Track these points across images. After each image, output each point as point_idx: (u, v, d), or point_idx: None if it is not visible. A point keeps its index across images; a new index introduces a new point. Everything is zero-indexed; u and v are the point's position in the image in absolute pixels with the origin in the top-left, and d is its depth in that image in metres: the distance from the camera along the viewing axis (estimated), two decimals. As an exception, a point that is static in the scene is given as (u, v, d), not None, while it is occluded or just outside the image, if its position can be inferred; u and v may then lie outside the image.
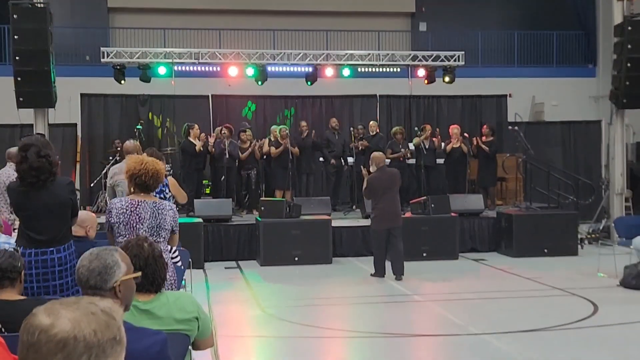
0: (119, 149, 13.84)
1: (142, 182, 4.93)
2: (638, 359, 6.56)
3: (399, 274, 10.34)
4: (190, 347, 3.59)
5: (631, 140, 17.56)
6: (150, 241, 3.51)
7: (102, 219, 5.20)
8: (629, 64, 13.13)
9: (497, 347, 6.88)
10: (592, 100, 20.56)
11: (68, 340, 1.45)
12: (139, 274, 2.97)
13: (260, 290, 10.19)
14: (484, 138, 14.32)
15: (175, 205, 5.36)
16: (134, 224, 4.81)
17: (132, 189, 4.98)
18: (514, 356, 6.64)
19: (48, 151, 4.91)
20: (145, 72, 14.55)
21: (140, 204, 4.87)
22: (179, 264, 6.36)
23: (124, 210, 4.84)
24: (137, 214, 4.83)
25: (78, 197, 14.56)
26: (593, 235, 13.43)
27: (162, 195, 6.75)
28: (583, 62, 21.43)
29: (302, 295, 9.69)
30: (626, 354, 6.73)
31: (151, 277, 3.36)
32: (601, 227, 13.82)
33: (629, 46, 13.13)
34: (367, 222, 11.65)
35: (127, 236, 4.70)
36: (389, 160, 14.43)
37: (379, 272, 10.48)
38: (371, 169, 10.47)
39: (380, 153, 10.88)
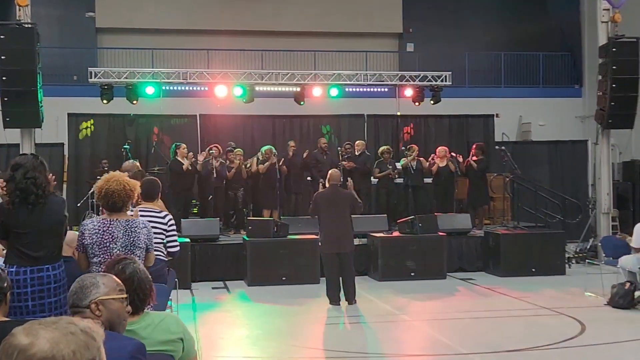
0: (105, 168, 13.79)
1: (106, 202, 4.92)
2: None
3: (350, 299, 9.87)
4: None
5: (617, 160, 17.68)
6: (125, 263, 3.47)
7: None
8: (613, 85, 13.26)
9: (485, 367, 6.86)
10: (579, 121, 20.72)
11: None
12: (124, 295, 3.02)
13: (247, 310, 10.14)
14: (473, 157, 14.37)
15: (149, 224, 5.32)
16: (107, 244, 4.78)
17: (102, 209, 4.98)
18: (501, 376, 6.62)
19: (35, 173, 4.91)
20: (130, 92, 14.51)
21: (112, 223, 4.85)
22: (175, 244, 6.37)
23: (97, 231, 4.82)
24: (110, 234, 4.80)
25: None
26: (580, 255, 13.46)
27: None
28: (569, 83, 21.62)
29: (289, 315, 9.63)
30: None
31: None
32: (588, 247, 13.86)
33: (614, 67, 13.26)
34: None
35: (101, 256, 4.67)
36: (376, 180, 14.52)
37: (332, 300, 9.86)
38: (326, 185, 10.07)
39: (336, 171, 10.35)
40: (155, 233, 5.59)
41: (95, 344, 1.51)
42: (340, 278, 9.96)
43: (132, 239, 4.83)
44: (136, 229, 4.88)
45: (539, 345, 7.58)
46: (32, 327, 1.49)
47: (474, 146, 14.67)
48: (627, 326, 8.61)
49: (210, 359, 7.14)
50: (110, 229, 4.81)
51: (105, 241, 4.78)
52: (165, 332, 3.41)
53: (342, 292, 9.95)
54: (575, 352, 7.44)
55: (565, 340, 7.80)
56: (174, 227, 6.53)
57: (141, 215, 5.64)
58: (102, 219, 4.89)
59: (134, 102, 14.56)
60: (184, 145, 13.66)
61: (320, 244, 10.46)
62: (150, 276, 3.54)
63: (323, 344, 8.26)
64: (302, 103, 15.40)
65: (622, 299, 9.41)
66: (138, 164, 9.20)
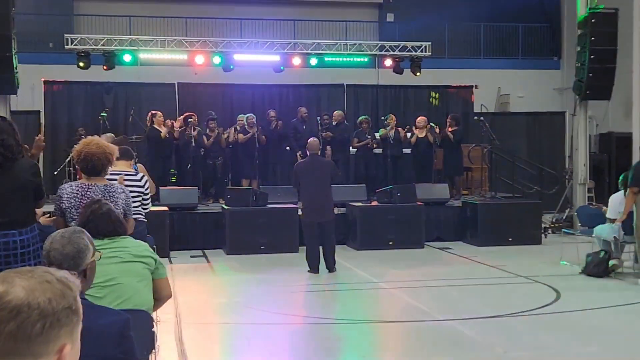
0: (82, 136, 13.63)
1: (85, 165, 4.87)
2: (598, 343, 6.67)
3: (331, 267, 9.97)
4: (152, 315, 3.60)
5: (594, 132, 17.83)
6: (101, 203, 4.07)
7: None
8: (592, 56, 13.33)
9: (462, 333, 6.95)
10: (557, 92, 20.82)
11: (22, 307, 1.42)
12: (100, 254, 3.11)
13: (226, 278, 10.17)
14: (448, 128, 14.41)
15: (127, 189, 5.27)
16: None
17: (81, 173, 4.93)
18: (478, 341, 6.71)
19: (4, 136, 4.78)
20: (107, 59, 14.28)
21: (90, 187, 4.83)
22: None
23: (75, 194, 4.79)
24: (88, 197, 4.76)
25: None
26: (556, 225, 13.61)
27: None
28: (548, 55, 21.68)
29: (269, 283, 9.66)
30: (587, 338, 6.84)
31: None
32: (564, 217, 14.02)
33: (592, 38, 13.32)
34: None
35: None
36: (355, 150, 14.52)
37: (312, 268, 9.97)
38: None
39: (315, 140, 10.36)
40: (133, 196, 5.57)
41: (72, 293, 1.50)
42: (321, 247, 10.00)
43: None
44: (114, 193, 4.85)
45: (515, 312, 7.69)
46: (8, 275, 1.48)
47: (449, 117, 14.70)
48: (601, 294, 8.76)
49: (189, 326, 7.15)
50: (88, 192, 4.78)
51: (83, 205, 4.74)
52: (140, 250, 3.98)
53: (321, 261, 10.00)
54: (550, 318, 7.55)
55: (540, 307, 7.91)
56: (149, 188, 6.54)
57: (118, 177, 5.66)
58: (81, 183, 4.85)
59: (104, 67, 14.30)
60: (160, 113, 13.51)
61: (300, 213, 10.45)
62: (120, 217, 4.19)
63: (302, 311, 8.32)
64: (282, 68, 15.25)
65: (596, 268, 9.56)
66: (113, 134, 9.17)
